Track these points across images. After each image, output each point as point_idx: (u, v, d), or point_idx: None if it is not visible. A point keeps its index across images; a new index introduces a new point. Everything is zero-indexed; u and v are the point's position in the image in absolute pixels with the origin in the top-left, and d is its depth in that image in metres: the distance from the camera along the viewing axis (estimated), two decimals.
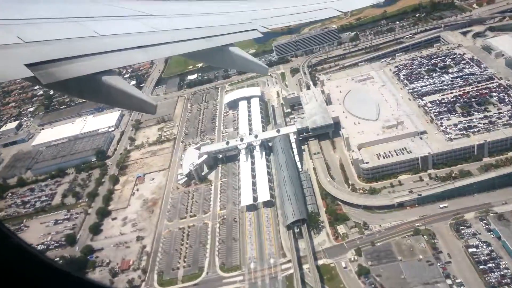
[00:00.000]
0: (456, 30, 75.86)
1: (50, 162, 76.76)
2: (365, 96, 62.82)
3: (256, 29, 9.65)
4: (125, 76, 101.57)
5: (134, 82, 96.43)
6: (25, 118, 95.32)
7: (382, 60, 73.05)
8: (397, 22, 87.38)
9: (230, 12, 11.21)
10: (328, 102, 65.90)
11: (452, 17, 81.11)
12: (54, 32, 6.08)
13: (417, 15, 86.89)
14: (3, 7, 6.79)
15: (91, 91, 5.54)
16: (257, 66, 8.76)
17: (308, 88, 71.87)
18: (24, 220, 67.22)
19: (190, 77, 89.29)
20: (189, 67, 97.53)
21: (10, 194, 73.47)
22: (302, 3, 13.98)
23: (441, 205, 47.53)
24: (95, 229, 59.87)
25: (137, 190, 65.00)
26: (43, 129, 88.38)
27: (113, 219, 60.43)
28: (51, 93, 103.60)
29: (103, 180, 69.01)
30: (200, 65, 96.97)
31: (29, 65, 4.63)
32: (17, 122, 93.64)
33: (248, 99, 74.79)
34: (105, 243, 58.38)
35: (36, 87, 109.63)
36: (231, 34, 8.99)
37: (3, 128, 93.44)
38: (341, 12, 13.44)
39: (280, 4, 13.58)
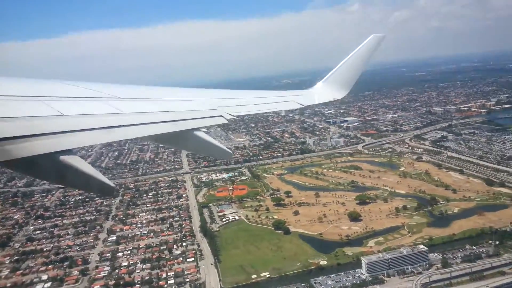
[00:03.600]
0: None
1: None
2: None
3: (221, 116, 10.21)
4: (170, 282, 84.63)
5: None
6: None
7: None
8: (473, 247, 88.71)
9: (196, 98, 11.74)
10: None
11: None
12: (16, 109, 6.17)
13: (490, 242, 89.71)
14: None
15: (48, 171, 5.40)
16: (222, 152, 9.22)
17: None
18: None
19: None
20: (253, 276, 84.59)
21: None
22: (266, 95, 15.83)
23: None
24: None
25: None
26: None
27: None
28: None
29: None
30: (267, 274, 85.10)
31: None
32: None
33: None
34: None
35: None
36: (197, 119, 9.32)
37: None
38: (302, 105, 15.38)
39: (246, 95, 14.92)
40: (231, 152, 9.95)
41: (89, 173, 5.44)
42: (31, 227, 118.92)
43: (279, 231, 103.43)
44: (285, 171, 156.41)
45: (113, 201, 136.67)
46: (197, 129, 8.84)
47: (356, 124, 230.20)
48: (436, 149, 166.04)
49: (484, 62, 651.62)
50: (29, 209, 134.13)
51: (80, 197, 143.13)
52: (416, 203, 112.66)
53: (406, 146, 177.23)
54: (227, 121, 10.40)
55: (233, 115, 11.07)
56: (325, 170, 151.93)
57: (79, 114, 7.14)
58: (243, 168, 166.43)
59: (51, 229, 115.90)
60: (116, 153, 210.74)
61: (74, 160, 5.43)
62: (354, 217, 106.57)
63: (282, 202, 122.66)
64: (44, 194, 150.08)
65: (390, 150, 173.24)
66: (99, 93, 9.05)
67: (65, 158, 5.36)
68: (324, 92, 19.88)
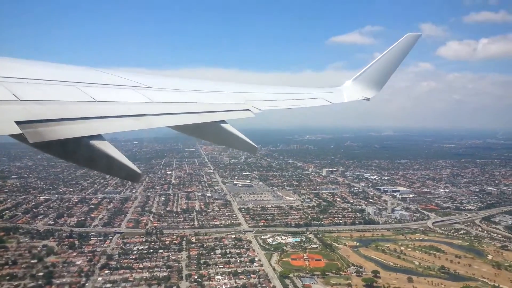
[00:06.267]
0: None
1: None
2: None
3: (249, 109, 10.46)
4: None
5: None
6: None
7: None
8: None
9: (224, 91, 11.94)
10: None
11: None
12: (50, 93, 6.26)
13: None
14: (5, 66, 7.00)
15: (77, 154, 5.52)
16: (247, 145, 9.20)
17: None
18: None
19: None
20: None
21: None
22: (295, 91, 16.37)
23: None
24: None
25: None
26: None
27: None
28: None
29: None
30: None
31: (19, 123, 4.74)
32: None
33: None
34: None
35: None
36: (224, 112, 9.42)
37: None
38: (330, 103, 16.02)
39: (274, 90, 15.51)
40: (256, 146, 9.69)
41: (118, 158, 5.44)
42: (99, 278, 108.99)
43: None
44: (357, 243, 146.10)
45: (180, 257, 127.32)
46: (224, 121, 8.90)
47: (411, 196, 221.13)
48: None
49: (508, 139, 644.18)
50: (90, 255, 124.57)
51: (142, 247, 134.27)
52: None
53: (479, 229, 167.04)
54: (254, 115, 10.44)
55: (260, 110, 11.05)
56: (402, 248, 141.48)
57: (110, 101, 7.06)
58: (308, 233, 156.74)
59: (123, 284, 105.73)
60: (163, 198, 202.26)
61: (103, 146, 5.44)
62: None
63: (375, 284, 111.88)
64: (101, 238, 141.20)
65: (464, 232, 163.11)
66: (131, 81, 9.01)
67: (95, 143, 5.39)
68: (353, 90, 19.30)
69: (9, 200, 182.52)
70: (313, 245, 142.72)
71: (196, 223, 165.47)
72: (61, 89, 6.76)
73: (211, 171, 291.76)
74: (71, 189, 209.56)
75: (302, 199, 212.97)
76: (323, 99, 15.87)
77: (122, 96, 7.85)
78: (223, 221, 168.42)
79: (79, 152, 5.48)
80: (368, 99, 19.82)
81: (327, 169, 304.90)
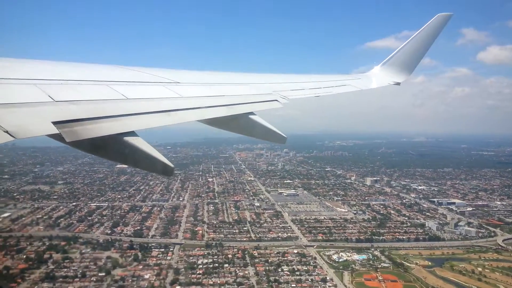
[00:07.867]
0: None
1: None
2: None
3: (276, 100, 10.41)
4: None
5: None
6: None
7: None
8: None
9: (251, 83, 11.91)
10: None
11: None
12: (83, 93, 6.25)
13: None
14: (40, 69, 7.11)
15: (112, 150, 5.55)
16: (277, 135, 9.01)
17: None
18: None
19: None
20: None
21: None
22: (322, 79, 15.75)
23: None
24: None
25: None
26: None
27: None
28: None
29: None
30: None
31: (56, 123, 4.81)
32: None
33: None
34: None
35: None
36: (252, 103, 9.39)
37: None
38: (359, 89, 15.54)
39: (301, 79, 15.20)
40: (285, 136, 9.43)
41: (151, 153, 5.47)
42: None
43: None
44: (430, 263, 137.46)
45: (247, 273, 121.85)
46: (252, 113, 8.84)
47: (469, 209, 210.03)
48: None
49: None
50: (156, 268, 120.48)
51: (206, 260, 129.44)
52: None
53: None
54: (282, 105, 10.31)
55: (288, 99, 10.95)
56: (480, 269, 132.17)
57: (141, 98, 7.07)
58: (373, 249, 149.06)
59: None
60: (212, 207, 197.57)
61: (137, 141, 5.47)
62: None
63: None
64: (163, 250, 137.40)
65: None
66: (159, 77, 9.02)
67: (128, 139, 5.44)
68: (383, 75, 18.85)
69: (61, 207, 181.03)
70: (383, 264, 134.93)
71: (252, 235, 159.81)
72: (93, 88, 6.72)
73: (252, 178, 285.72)
74: (119, 196, 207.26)
75: (355, 211, 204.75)
76: (352, 86, 15.32)
77: (152, 92, 7.86)
78: (280, 234, 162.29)
79: (113, 148, 5.47)
80: (398, 83, 18.82)
81: (370, 178, 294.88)
